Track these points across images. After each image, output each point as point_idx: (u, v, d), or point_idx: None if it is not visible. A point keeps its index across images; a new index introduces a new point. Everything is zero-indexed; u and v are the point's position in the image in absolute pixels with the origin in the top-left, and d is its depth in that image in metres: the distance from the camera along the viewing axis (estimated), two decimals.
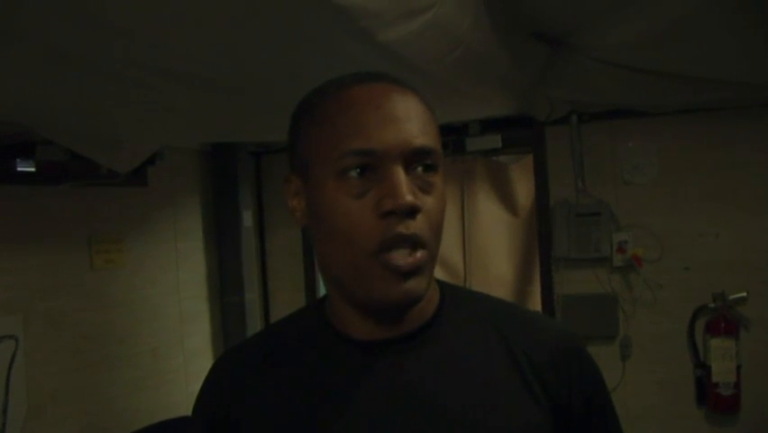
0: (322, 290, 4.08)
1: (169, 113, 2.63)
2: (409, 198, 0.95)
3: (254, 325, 3.86)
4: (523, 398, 1.05)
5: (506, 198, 4.95)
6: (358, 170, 0.97)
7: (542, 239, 3.71)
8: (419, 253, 0.98)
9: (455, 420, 1.02)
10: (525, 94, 3.24)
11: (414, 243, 0.97)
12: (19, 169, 2.81)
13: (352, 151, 0.96)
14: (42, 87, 2.14)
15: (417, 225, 0.97)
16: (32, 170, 2.83)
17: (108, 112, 2.57)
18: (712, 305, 3.36)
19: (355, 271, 0.99)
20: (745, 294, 3.32)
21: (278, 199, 4.04)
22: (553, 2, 2.53)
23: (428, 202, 0.99)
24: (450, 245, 5.78)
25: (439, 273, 5.10)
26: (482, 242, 5.37)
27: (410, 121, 0.99)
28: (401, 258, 0.97)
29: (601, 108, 3.51)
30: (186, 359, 3.57)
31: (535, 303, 4.02)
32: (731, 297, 3.33)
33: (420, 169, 0.99)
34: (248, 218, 3.87)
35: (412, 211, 0.96)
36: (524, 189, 4.63)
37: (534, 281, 4.18)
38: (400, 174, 0.96)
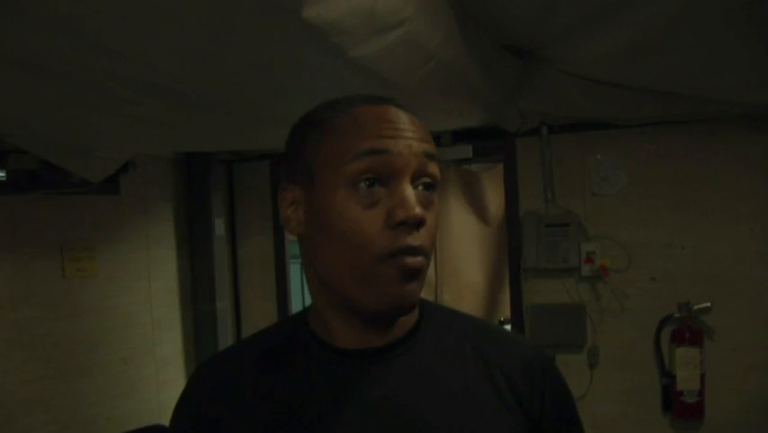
0: (294, 300, 4.09)
1: (142, 123, 2.65)
2: (419, 210, 1.02)
3: (226, 333, 3.88)
4: (499, 410, 1.10)
5: (477, 206, 4.99)
6: (368, 181, 1.03)
7: (511, 249, 3.77)
8: (420, 258, 1.04)
9: (435, 430, 1.07)
10: (496, 106, 3.29)
11: (417, 253, 1.04)
12: None
13: (365, 150, 1.02)
14: (14, 97, 2.15)
15: (422, 237, 1.04)
16: (3, 178, 2.82)
17: (81, 121, 2.59)
18: (677, 315, 3.43)
19: (359, 274, 1.04)
20: (709, 304, 3.40)
21: (251, 209, 4.08)
22: (523, 17, 2.58)
23: (429, 217, 1.06)
24: None
25: None
26: (454, 249, 5.41)
27: (416, 132, 1.07)
28: (408, 258, 1.03)
29: (571, 120, 3.58)
30: (157, 367, 3.59)
31: (505, 312, 4.06)
32: (696, 307, 3.41)
33: (421, 187, 1.06)
34: (220, 227, 3.89)
35: (420, 223, 1.03)
36: (495, 198, 4.68)
37: (505, 290, 4.23)
38: (409, 187, 1.03)
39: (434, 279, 5.63)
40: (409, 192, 1.02)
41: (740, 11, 2.36)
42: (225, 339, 3.88)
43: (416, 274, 1.04)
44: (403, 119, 1.07)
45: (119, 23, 1.56)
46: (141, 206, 3.63)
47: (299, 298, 4.63)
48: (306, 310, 1.20)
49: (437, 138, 3.75)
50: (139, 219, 3.61)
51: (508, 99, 3.32)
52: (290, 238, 4.19)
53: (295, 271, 4.60)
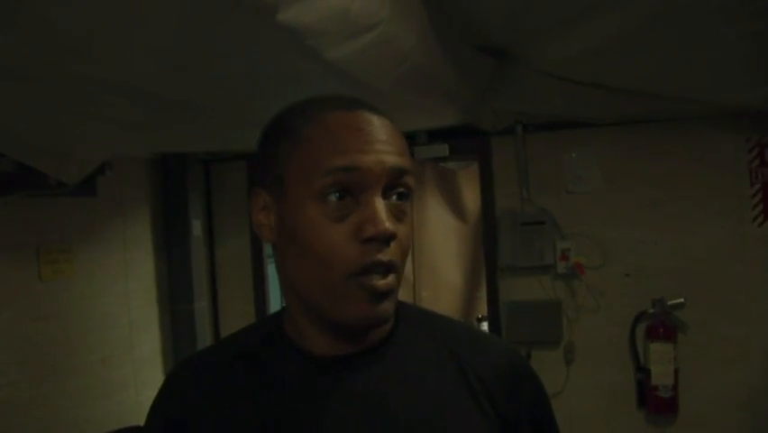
0: (272, 300, 4.11)
1: (119, 125, 2.65)
2: (389, 225, 0.99)
3: (204, 334, 3.89)
4: (473, 414, 1.10)
5: (454, 203, 5.02)
6: (338, 194, 1.00)
7: (487, 247, 3.81)
8: (390, 278, 1.02)
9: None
10: (471, 105, 3.32)
11: (388, 269, 1.02)
12: None
13: (335, 168, 0.99)
14: None
15: (392, 252, 1.02)
16: None
17: (57, 124, 2.58)
18: (652, 310, 3.49)
19: (329, 292, 1.03)
20: (682, 300, 3.46)
21: (228, 209, 4.09)
22: (498, 16, 2.61)
23: (401, 230, 1.04)
24: None
25: None
26: (431, 247, 5.43)
27: (389, 144, 1.04)
28: (377, 280, 1.01)
29: (545, 119, 3.63)
30: (135, 368, 3.60)
31: (482, 309, 4.09)
32: (670, 302, 3.46)
33: (395, 197, 1.04)
34: (197, 227, 3.91)
35: (390, 239, 1.01)
36: (472, 195, 4.71)
37: (482, 287, 4.27)
38: (380, 201, 1.01)
39: (411, 276, 5.66)
40: (380, 206, 1.00)
41: (716, 13, 2.40)
42: (204, 340, 3.89)
43: (387, 295, 1.02)
44: (376, 128, 1.04)
45: (94, 23, 1.56)
46: (118, 207, 3.64)
47: (277, 298, 4.64)
48: (281, 313, 1.19)
49: (413, 137, 3.78)
50: (116, 221, 3.62)
51: (483, 99, 3.35)
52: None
53: (272, 271, 4.62)
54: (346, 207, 1.01)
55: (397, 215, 1.03)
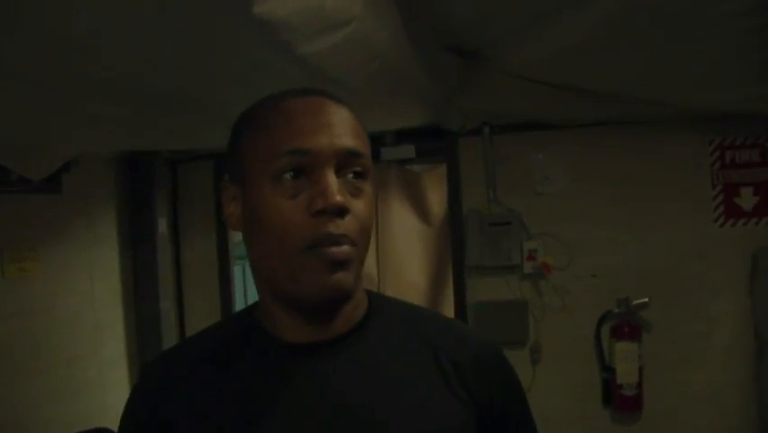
0: (238, 300, 4.10)
1: (88, 119, 2.62)
2: (339, 198, 1.03)
3: (170, 334, 3.87)
4: (448, 400, 1.13)
5: (419, 206, 5.05)
6: (292, 173, 1.05)
7: (455, 247, 3.84)
8: (346, 247, 1.05)
9: (382, 423, 1.09)
10: (440, 106, 3.35)
11: (341, 241, 1.05)
12: None
13: (287, 150, 1.04)
14: None
15: (346, 226, 1.05)
16: None
17: (22, 117, 2.54)
18: (617, 310, 3.55)
19: (287, 266, 1.06)
20: (647, 299, 3.52)
21: (195, 208, 4.08)
22: (467, 18, 2.64)
23: (358, 205, 1.07)
24: None
25: None
26: (396, 249, 5.44)
27: (342, 127, 1.08)
28: (331, 248, 1.04)
29: (513, 120, 3.66)
30: (101, 369, 3.58)
31: (449, 310, 4.13)
32: (634, 302, 3.51)
33: (351, 175, 1.08)
34: (163, 226, 3.88)
35: (341, 211, 1.04)
36: (437, 198, 4.74)
37: (447, 288, 4.29)
38: (331, 176, 1.05)
39: (376, 278, 5.67)
40: (331, 180, 1.04)
41: (679, 16, 2.45)
42: (170, 340, 3.87)
43: (343, 264, 1.05)
44: (330, 112, 1.09)
45: (63, 13, 1.56)
46: (84, 205, 3.62)
47: (243, 298, 4.63)
48: (253, 306, 1.22)
49: (381, 138, 3.79)
50: (81, 219, 3.59)
51: (451, 99, 3.38)
52: (233, 240, 4.20)
53: (239, 272, 4.61)
54: (300, 185, 1.05)
55: (353, 191, 1.07)
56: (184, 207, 4.18)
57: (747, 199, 3.59)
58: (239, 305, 4.13)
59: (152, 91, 2.35)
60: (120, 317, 3.82)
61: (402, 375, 1.13)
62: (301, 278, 1.05)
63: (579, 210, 3.66)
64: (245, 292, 5.06)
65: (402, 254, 5.38)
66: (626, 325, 3.52)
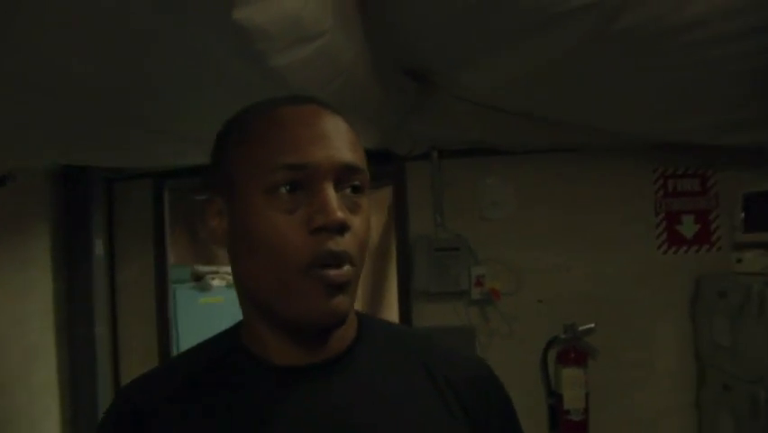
0: (177, 325, 3.98)
1: (23, 128, 2.47)
2: (340, 214, 0.97)
3: (104, 359, 3.73)
4: (447, 418, 1.08)
5: None
6: (288, 186, 0.98)
7: (401, 272, 3.82)
8: (345, 269, 0.99)
9: None
10: (390, 128, 3.34)
11: (342, 260, 0.99)
12: None
13: (283, 165, 0.98)
14: None
15: (346, 243, 0.99)
16: None
17: None
18: (563, 336, 3.54)
19: (283, 287, 0.99)
20: (593, 325, 3.52)
21: (131, 229, 3.93)
22: (425, 43, 2.64)
23: (356, 222, 1.01)
24: None
25: None
26: None
27: (340, 139, 1.02)
28: (330, 270, 0.98)
29: (462, 146, 3.67)
30: (31, 396, 3.41)
31: None
32: (580, 328, 3.51)
33: (348, 190, 1.01)
34: (100, 247, 3.73)
35: (342, 228, 0.98)
36: (375, 221, 4.72)
37: (384, 313, 4.27)
38: (331, 191, 0.98)
39: None
40: (330, 195, 0.98)
41: (634, 48, 2.51)
42: (104, 365, 3.72)
43: (342, 287, 0.99)
44: (326, 123, 1.02)
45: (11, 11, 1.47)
46: (16, 223, 3.45)
47: (182, 322, 4.49)
48: (237, 326, 1.14)
49: None
50: (13, 238, 3.42)
51: (402, 123, 3.38)
52: (171, 262, 4.08)
53: (179, 295, 4.49)
54: (297, 199, 0.98)
55: (351, 207, 1.01)
56: (120, 228, 4.04)
57: (689, 227, 3.70)
58: (180, 329, 4.01)
59: (85, 94, 2.23)
60: (52, 342, 3.64)
61: (400, 395, 1.08)
62: (297, 301, 0.98)
63: (526, 236, 3.70)
64: (181, 317, 4.90)
65: None
66: (573, 351, 3.54)
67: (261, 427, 1.02)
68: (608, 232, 3.66)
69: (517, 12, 2.34)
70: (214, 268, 5.29)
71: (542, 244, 3.68)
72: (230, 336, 1.13)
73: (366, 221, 1.04)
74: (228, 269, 4.74)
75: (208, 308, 5.06)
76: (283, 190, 0.98)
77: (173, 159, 3.31)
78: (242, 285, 1.06)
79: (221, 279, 5.25)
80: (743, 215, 3.43)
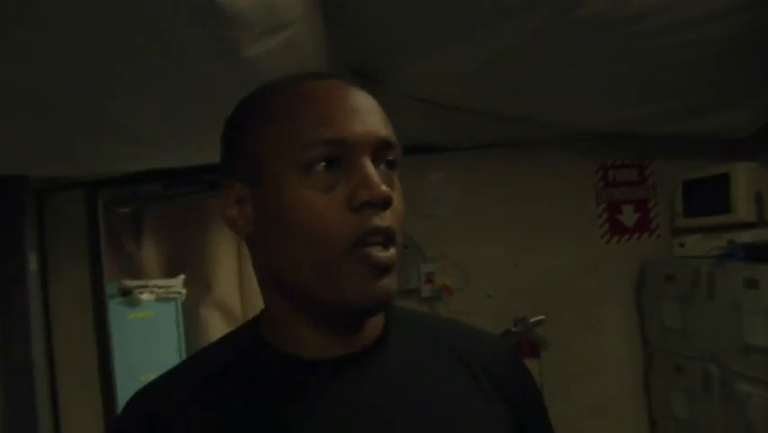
0: (121, 336, 3.84)
1: None
2: (384, 187, 0.93)
3: (40, 377, 3.52)
4: (484, 405, 1.06)
5: None
6: (324, 163, 0.94)
7: None
8: (392, 250, 0.96)
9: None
10: None
11: (388, 236, 0.95)
12: None
13: (321, 140, 0.93)
14: None
15: (390, 219, 0.96)
16: None
17: None
18: (514, 329, 3.58)
19: (325, 271, 0.94)
20: (543, 317, 3.58)
21: (64, 242, 3.76)
22: (374, 38, 2.68)
23: (395, 198, 0.97)
24: (226, 286, 5.70)
25: (215, 315, 5.03)
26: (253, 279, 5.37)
27: (373, 113, 0.99)
28: (377, 251, 0.94)
29: (407, 143, 3.64)
30: None
31: None
32: (531, 320, 3.57)
33: (383, 165, 0.98)
34: (34, 263, 3.55)
35: (387, 202, 0.94)
36: None
37: None
38: (371, 166, 0.95)
39: (239, 313, 5.56)
40: (372, 170, 0.94)
41: (584, 36, 2.57)
42: (41, 385, 3.54)
43: (389, 268, 0.95)
44: (359, 97, 0.99)
45: None
46: None
47: (113, 339, 4.33)
48: (255, 320, 1.09)
49: None
50: None
51: None
52: (108, 279, 3.94)
53: (117, 311, 4.34)
54: (334, 176, 0.94)
55: (388, 183, 0.97)
56: (52, 240, 3.86)
57: (629, 216, 3.81)
58: (117, 346, 3.86)
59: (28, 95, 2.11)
60: None
61: (436, 385, 1.05)
62: (342, 284, 0.94)
63: (472, 231, 3.72)
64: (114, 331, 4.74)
65: (254, 288, 5.34)
66: (525, 343, 3.59)
67: (292, 425, 0.97)
68: (553, 224, 3.73)
69: (475, 2, 2.37)
70: (142, 282, 5.14)
71: (488, 239, 3.71)
72: (249, 332, 1.08)
73: (401, 198, 1.00)
74: (158, 282, 4.60)
75: (138, 323, 4.93)
76: (319, 167, 0.93)
77: (121, 163, 3.19)
78: (273, 275, 1.01)
79: (150, 292, 5.10)
80: (683, 201, 3.56)
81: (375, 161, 0.96)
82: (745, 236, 3.04)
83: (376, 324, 1.05)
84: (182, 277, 5.32)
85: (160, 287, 5.18)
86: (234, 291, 5.73)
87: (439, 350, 1.09)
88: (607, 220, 3.80)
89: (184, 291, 5.28)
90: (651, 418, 3.70)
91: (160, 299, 5.14)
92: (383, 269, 0.94)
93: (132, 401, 1.06)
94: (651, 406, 3.70)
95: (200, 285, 5.55)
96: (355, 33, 2.62)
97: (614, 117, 3.36)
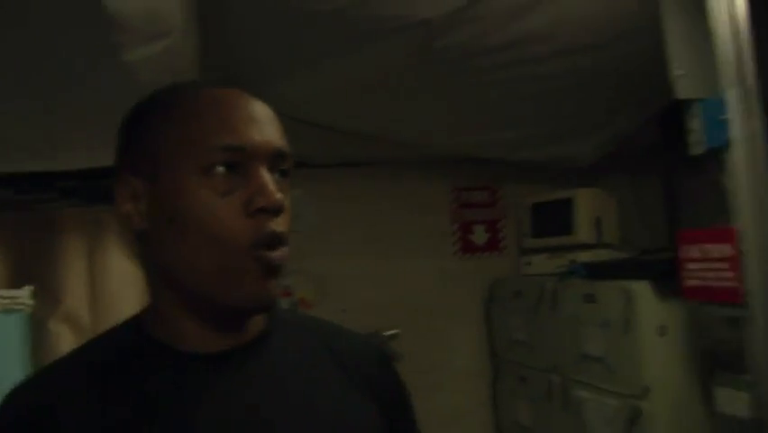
0: None
1: None
2: (279, 195, 0.99)
3: None
4: (360, 406, 1.12)
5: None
6: (223, 167, 0.98)
7: None
8: (284, 249, 1.02)
9: (297, 429, 1.06)
10: None
11: (281, 240, 1.01)
12: None
13: (222, 146, 0.98)
14: None
15: (282, 223, 1.02)
16: None
17: None
18: None
19: (220, 271, 0.99)
20: (397, 331, 3.70)
21: None
22: (244, 53, 2.72)
23: (286, 205, 1.03)
24: (76, 299, 5.51)
25: (65, 329, 4.90)
26: (110, 293, 5.24)
27: (270, 124, 1.05)
28: (272, 253, 1.00)
29: None
30: None
31: None
32: (385, 334, 3.67)
33: (278, 174, 1.04)
34: None
35: (281, 209, 1.00)
36: None
37: None
38: (267, 174, 1.00)
39: (90, 326, 5.39)
40: (268, 178, 0.99)
41: (448, 64, 2.72)
42: None
43: (279, 270, 1.01)
44: (256, 108, 1.04)
45: None
46: None
47: None
48: (138, 316, 1.11)
49: (107, 176, 3.65)
50: None
51: None
52: None
53: None
54: (232, 180, 0.99)
55: (282, 190, 1.02)
56: None
57: (480, 235, 4.03)
58: None
59: None
60: None
61: (313, 383, 1.10)
62: (236, 283, 0.99)
63: (331, 246, 3.81)
64: None
65: (116, 298, 5.19)
66: None
67: (174, 416, 1.00)
68: (408, 241, 3.89)
69: (346, 25, 2.47)
70: None
71: (346, 255, 3.82)
72: (132, 327, 1.09)
73: (290, 204, 1.06)
74: (2, 292, 4.41)
75: None
76: (219, 171, 0.98)
77: None
78: (163, 271, 1.04)
79: None
80: (530, 223, 3.79)
81: (270, 170, 1.02)
82: (586, 256, 3.30)
83: (258, 321, 1.10)
84: (30, 288, 5.11)
85: (4, 297, 4.97)
86: (85, 304, 5.55)
87: (317, 349, 1.15)
88: (459, 239, 4.00)
89: (31, 303, 5.09)
90: (498, 426, 3.90)
91: (4, 311, 4.93)
92: (275, 269, 1.00)
93: (9, 398, 1.04)
94: (498, 415, 3.90)
95: (50, 297, 5.36)
96: (230, 47, 2.65)
97: (470, 142, 3.54)
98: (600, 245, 3.44)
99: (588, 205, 3.48)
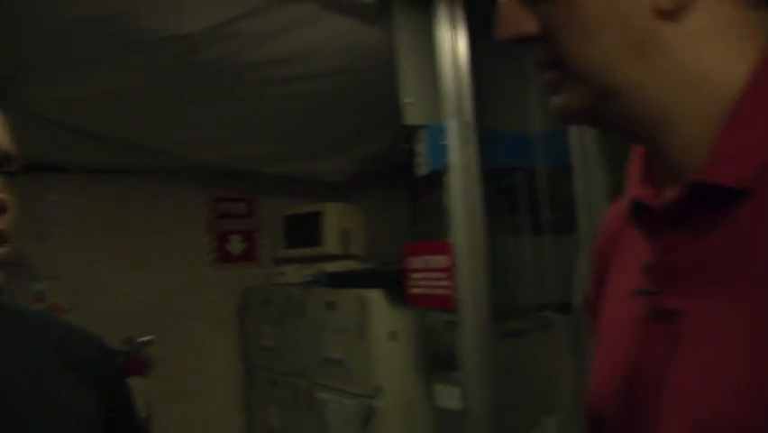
0: None
1: None
2: (3, 195, 1.04)
3: None
4: (76, 393, 1.15)
5: None
6: None
7: None
8: (6, 247, 1.06)
9: (17, 417, 1.06)
10: None
11: (4, 238, 1.06)
12: None
13: None
14: None
15: (4, 222, 1.06)
16: None
17: None
18: (124, 348, 3.72)
19: None
20: (152, 337, 3.77)
21: None
22: (15, 57, 2.71)
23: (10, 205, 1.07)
24: None
25: None
26: None
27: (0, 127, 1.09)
28: None
29: (27, 161, 3.64)
30: None
31: None
32: (139, 340, 3.74)
33: (3, 175, 1.09)
34: None
35: (4, 209, 1.05)
36: None
37: None
38: None
39: None
40: None
41: (208, 78, 2.88)
42: None
43: (1, 265, 1.04)
44: None
45: None
46: None
47: None
48: None
49: None
50: None
51: None
52: None
53: None
54: None
55: (8, 191, 1.07)
56: None
57: (236, 245, 4.20)
58: None
59: None
60: None
61: (31, 374, 1.12)
62: None
63: (87, 253, 3.83)
64: None
65: None
66: (133, 362, 3.74)
67: None
68: (166, 250, 4.00)
69: (115, 34, 2.55)
70: None
71: (102, 261, 3.85)
72: None
73: (17, 205, 1.10)
74: None
75: None
76: None
77: None
78: None
79: None
80: (284, 234, 4.01)
81: None
82: (333, 267, 3.56)
83: None
84: None
85: None
86: None
87: (37, 342, 1.17)
88: (216, 248, 4.16)
89: None
90: (250, 431, 4.09)
91: None
92: None
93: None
94: (251, 420, 4.09)
95: None
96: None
97: (226, 154, 3.71)
98: (347, 257, 3.71)
99: (335, 218, 3.74)
